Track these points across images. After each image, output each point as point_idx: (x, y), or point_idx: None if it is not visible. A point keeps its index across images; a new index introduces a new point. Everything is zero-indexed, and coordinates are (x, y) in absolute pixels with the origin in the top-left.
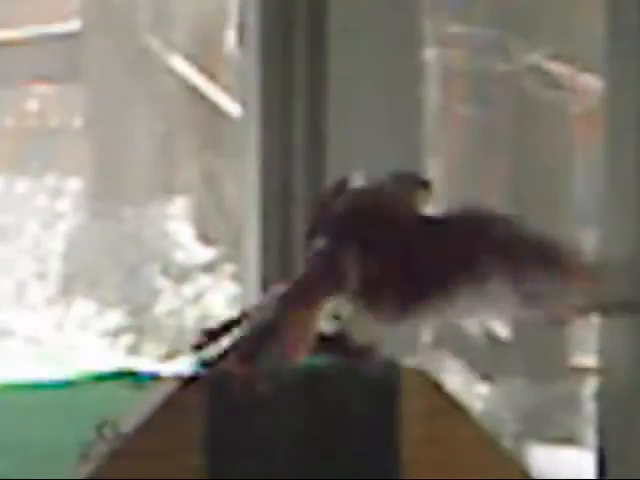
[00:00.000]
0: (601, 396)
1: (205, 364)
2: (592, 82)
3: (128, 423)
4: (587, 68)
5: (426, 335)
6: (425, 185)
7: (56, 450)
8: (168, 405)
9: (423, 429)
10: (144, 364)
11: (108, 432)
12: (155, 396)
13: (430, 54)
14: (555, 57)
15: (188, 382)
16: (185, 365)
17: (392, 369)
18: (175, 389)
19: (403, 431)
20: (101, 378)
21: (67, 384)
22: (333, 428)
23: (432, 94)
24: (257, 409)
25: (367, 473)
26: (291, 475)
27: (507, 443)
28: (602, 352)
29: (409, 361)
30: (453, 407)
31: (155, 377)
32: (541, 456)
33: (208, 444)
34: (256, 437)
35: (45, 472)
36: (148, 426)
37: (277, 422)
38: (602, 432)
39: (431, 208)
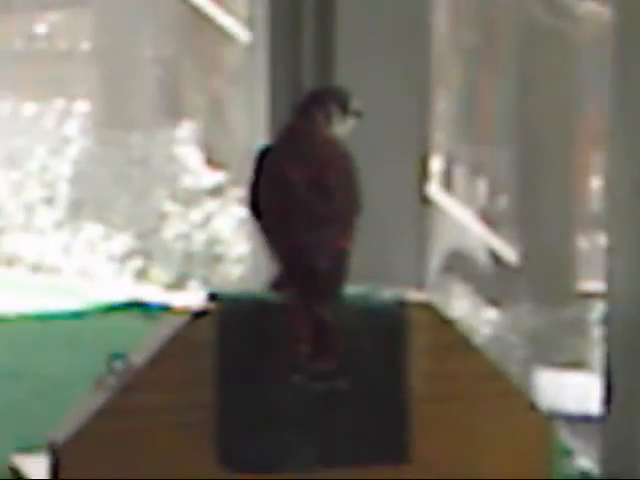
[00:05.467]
0: (608, 321)
1: (214, 297)
2: (596, 9)
3: (138, 356)
4: None
5: (435, 261)
6: (340, 100)
7: (68, 380)
8: (177, 339)
9: (432, 363)
10: (153, 292)
11: (119, 365)
12: (165, 329)
13: None
14: None
15: (198, 316)
16: (193, 296)
17: (402, 304)
18: (185, 323)
19: (413, 365)
20: (111, 309)
21: (78, 315)
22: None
23: (439, 21)
24: (268, 345)
25: (379, 407)
26: (303, 409)
27: (515, 368)
28: (610, 277)
29: (418, 293)
30: (462, 341)
31: (165, 308)
32: (548, 380)
33: (217, 379)
34: (265, 373)
35: (57, 402)
36: (158, 360)
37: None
38: (609, 356)
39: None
